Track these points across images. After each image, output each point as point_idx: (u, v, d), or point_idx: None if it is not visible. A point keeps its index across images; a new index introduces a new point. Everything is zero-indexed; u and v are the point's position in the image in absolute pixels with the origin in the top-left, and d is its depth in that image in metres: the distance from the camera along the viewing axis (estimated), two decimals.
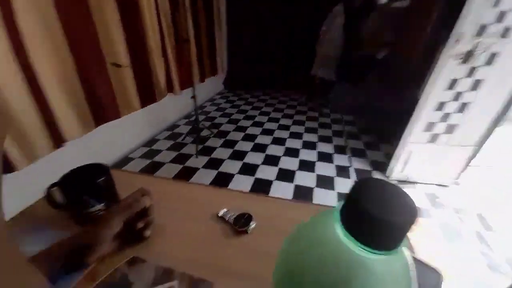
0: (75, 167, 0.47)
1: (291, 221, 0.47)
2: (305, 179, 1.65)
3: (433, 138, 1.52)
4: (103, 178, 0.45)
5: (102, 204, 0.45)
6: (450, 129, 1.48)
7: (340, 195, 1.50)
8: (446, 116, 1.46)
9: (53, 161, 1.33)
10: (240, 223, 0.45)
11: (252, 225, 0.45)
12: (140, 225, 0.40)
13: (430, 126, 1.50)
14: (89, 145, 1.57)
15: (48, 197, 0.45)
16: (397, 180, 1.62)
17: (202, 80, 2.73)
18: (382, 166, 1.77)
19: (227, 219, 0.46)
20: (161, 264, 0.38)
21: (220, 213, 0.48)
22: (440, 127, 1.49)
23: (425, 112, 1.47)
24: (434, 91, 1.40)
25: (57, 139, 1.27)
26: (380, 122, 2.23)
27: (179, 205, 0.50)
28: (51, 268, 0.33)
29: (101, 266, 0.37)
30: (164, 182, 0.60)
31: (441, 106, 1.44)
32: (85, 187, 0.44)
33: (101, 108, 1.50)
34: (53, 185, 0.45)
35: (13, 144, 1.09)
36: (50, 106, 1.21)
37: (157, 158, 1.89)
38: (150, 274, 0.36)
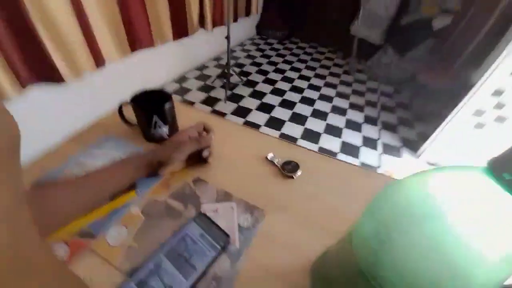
0: (141, 91, 0.50)
1: (334, 176, 0.52)
2: (330, 142, 1.66)
3: (479, 125, 1.42)
4: (168, 103, 0.48)
5: (167, 127, 0.50)
6: (501, 120, 1.37)
7: (364, 165, 1.53)
8: (500, 106, 1.33)
9: (102, 88, 1.42)
10: (288, 169, 0.49)
11: (299, 172, 0.48)
12: (206, 153, 0.45)
13: (479, 112, 1.38)
14: (129, 75, 1.61)
15: (120, 113, 0.50)
16: (427, 163, 1.61)
17: (235, 19, 2.54)
18: (413, 144, 1.72)
19: (275, 162, 0.50)
20: (221, 187, 0.44)
21: (269, 157, 0.51)
22: (490, 116, 1.37)
23: (477, 97, 1.33)
24: (495, 76, 1.24)
25: (98, 59, 1.32)
26: (421, 99, 2.06)
27: (230, 141, 0.54)
28: (138, 171, 0.39)
29: (172, 179, 0.44)
30: (216, 119, 0.63)
31: (499, 93, 1.30)
32: (154, 109, 0.47)
33: (136, 34, 1.50)
34: (124, 103, 0.49)
35: (62, 59, 1.15)
36: (91, 26, 1.22)
37: (188, 97, 1.93)
38: (212, 193, 0.42)
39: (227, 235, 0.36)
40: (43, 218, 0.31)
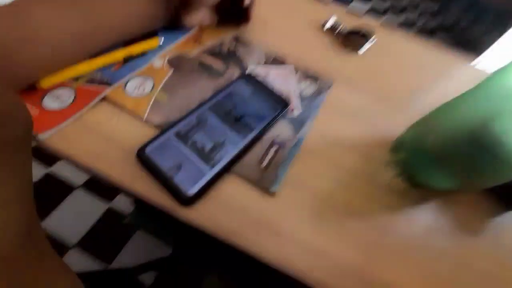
0: None
1: (411, 55, 0.38)
2: None
3: None
4: None
5: None
6: None
7: None
8: None
9: None
10: (353, 40, 0.36)
11: (368, 44, 0.36)
12: (247, 1, 0.31)
13: None
14: None
15: None
16: None
17: None
18: None
19: (336, 32, 0.37)
20: (269, 50, 0.32)
21: (328, 24, 0.38)
22: None
23: None
24: None
25: None
26: (467, 20, 1.73)
27: (273, 2, 0.40)
28: (153, 4, 0.27)
29: (203, 36, 0.32)
30: None
31: None
32: None
33: None
34: None
35: None
36: None
37: None
38: (259, 55, 0.31)
39: (285, 99, 0.27)
40: (27, 47, 0.21)
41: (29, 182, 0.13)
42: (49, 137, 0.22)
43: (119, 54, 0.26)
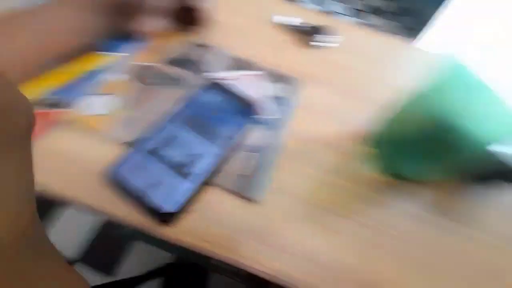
0: None
1: (371, 47, 0.38)
2: None
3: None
4: None
5: None
6: None
7: None
8: None
9: None
10: (318, 32, 0.36)
11: (333, 39, 0.36)
12: (198, 5, 0.29)
13: None
14: None
15: None
16: None
17: None
18: None
19: (298, 30, 0.37)
20: (237, 54, 0.31)
21: (284, 20, 0.37)
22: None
23: None
24: None
25: None
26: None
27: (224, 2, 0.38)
28: (84, 13, 0.24)
29: (161, 45, 0.30)
30: None
31: None
32: None
33: None
34: None
35: None
36: None
37: None
38: (225, 60, 0.30)
39: (256, 102, 0.26)
40: None
41: (30, 180, 0.13)
42: None
43: (68, 74, 0.24)
